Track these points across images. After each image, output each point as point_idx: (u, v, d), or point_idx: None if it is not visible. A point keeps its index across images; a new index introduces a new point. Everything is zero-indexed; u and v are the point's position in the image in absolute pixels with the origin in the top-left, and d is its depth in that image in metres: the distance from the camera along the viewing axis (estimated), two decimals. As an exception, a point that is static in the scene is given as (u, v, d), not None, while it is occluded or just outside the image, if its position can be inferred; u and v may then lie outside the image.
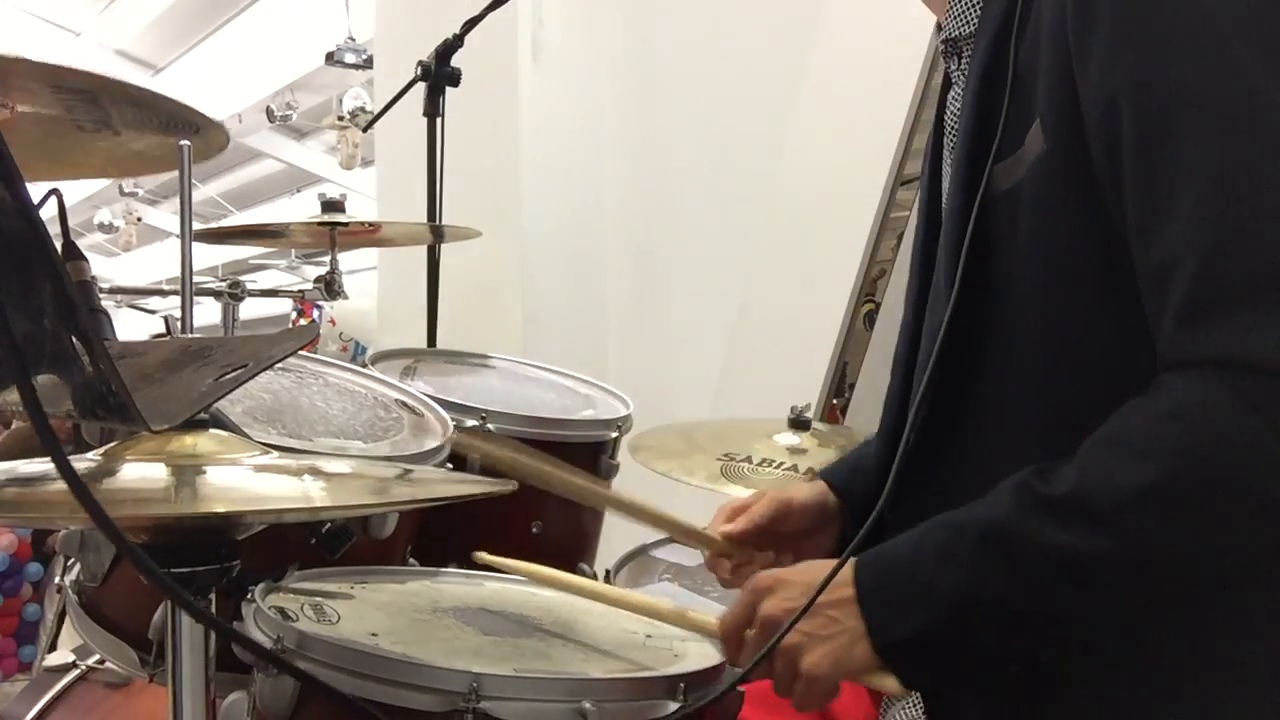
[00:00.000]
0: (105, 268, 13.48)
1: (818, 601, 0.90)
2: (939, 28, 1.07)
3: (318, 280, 2.25)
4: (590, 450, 1.66)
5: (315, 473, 0.91)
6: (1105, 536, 0.82)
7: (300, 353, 1.60)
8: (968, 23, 1.02)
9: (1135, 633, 0.88)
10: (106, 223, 12.78)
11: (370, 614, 1.10)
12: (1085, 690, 0.90)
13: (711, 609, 1.55)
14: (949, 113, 1.07)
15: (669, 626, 1.19)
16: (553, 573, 1.19)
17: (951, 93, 1.07)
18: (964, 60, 1.04)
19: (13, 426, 2.88)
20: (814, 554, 1.16)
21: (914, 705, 1.11)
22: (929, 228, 1.09)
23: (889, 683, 0.91)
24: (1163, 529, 0.82)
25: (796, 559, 1.17)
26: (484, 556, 1.22)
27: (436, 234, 2.23)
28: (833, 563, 0.92)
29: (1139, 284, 0.85)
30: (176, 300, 1.29)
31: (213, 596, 0.84)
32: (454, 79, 2.23)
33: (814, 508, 1.21)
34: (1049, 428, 0.93)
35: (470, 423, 1.52)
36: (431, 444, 1.38)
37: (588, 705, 0.91)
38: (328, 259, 2.22)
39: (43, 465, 0.80)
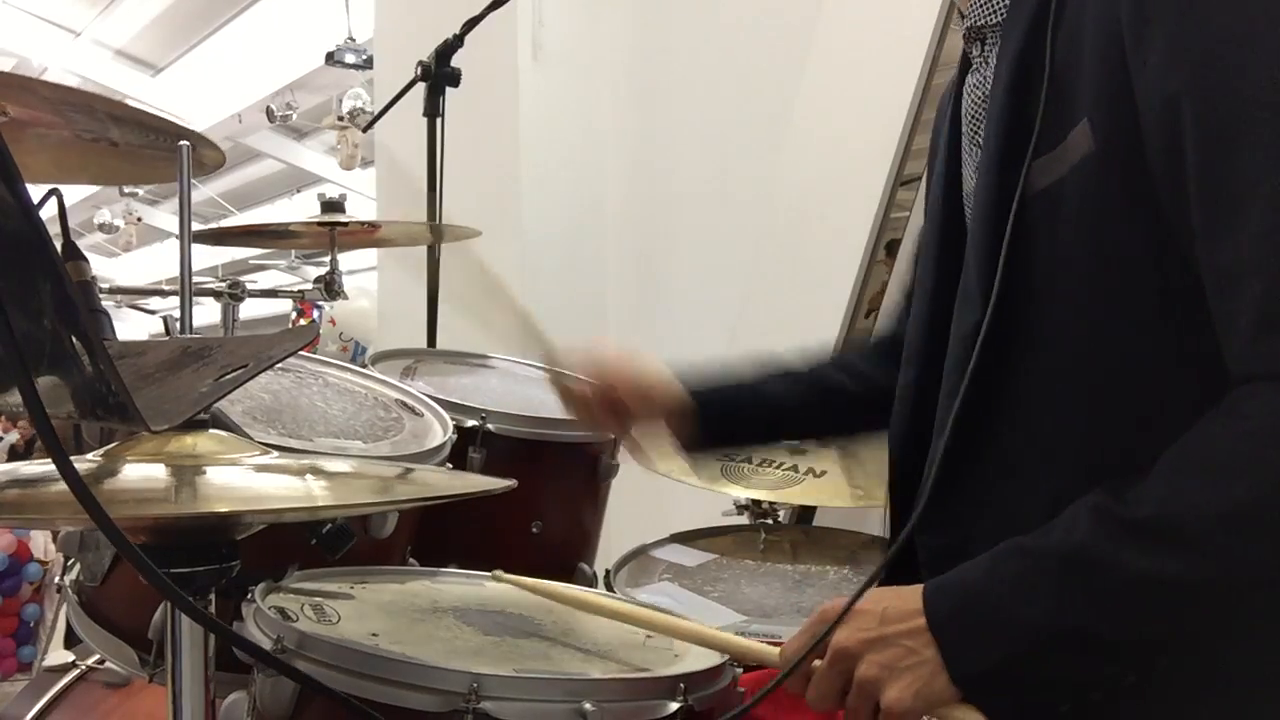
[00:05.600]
0: (105, 268, 13.48)
1: (892, 632, 0.89)
2: (960, 14, 1.04)
3: (318, 280, 2.25)
4: (590, 450, 1.66)
5: (316, 472, 0.91)
6: (1195, 560, 0.80)
7: (300, 353, 1.60)
8: (994, 12, 1.00)
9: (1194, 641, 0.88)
10: (106, 223, 12.78)
11: (370, 614, 1.10)
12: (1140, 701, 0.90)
13: (712, 610, 1.56)
14: (969, 100, 1.04)
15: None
16: (583, 595, 1.16)
17: (972, 78, 1.04)
18: (987, 46, 1.02)
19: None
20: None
21: None
22: (947, 214, 1.06)
23: (971, 715, 0.88)
24: (1253, 549, 0.80)
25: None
26: (504, 575, 1.19)
27: (436, 234, 2.23)
28: (895, 588, 0.91)
29: (1206, 289, 0.83)
30: (176, 300, 1.29)
31: (212, 597, 0.84)
32: (454, 79, 2.23)
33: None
34: (1090, 439, 0.91)
35: (470, 422, 1.52)
36: (432, 444, 1.38)
37: (588, 706, 0.91)
38: (328, 259, 2.22)
39: (44, 466, 0.80)
